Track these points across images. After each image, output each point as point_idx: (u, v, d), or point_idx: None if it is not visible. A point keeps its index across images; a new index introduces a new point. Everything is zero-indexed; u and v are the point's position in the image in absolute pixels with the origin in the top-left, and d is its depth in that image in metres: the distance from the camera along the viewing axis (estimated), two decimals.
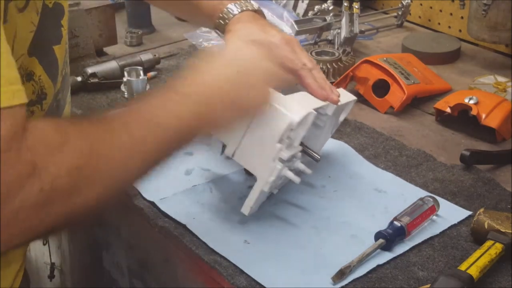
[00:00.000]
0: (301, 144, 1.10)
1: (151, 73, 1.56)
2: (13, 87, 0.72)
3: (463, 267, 0.97)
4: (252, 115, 1.00)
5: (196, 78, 0.93)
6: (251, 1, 1.20)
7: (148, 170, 0.87)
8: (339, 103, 1.15)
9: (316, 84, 1.11)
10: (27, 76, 0.91)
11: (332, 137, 1.33)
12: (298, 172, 1.10)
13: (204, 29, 1.70)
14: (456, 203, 1.14)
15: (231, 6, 1.18)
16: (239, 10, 1.17)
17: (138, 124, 0.83)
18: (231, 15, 1.17)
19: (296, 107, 1.04)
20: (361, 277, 0.99)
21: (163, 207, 1.13)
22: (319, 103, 1.11)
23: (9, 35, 0.80)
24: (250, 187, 1.17)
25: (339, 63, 1.56)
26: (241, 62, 0.98)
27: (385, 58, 1.50)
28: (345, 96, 1.21)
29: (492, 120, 1.32)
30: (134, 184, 0.92)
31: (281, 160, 1.04)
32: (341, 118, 1.24)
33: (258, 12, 1.19)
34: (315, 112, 1.06)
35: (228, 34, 1.16)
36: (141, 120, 0.84)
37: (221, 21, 1.18)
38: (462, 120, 1.37)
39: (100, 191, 0.79)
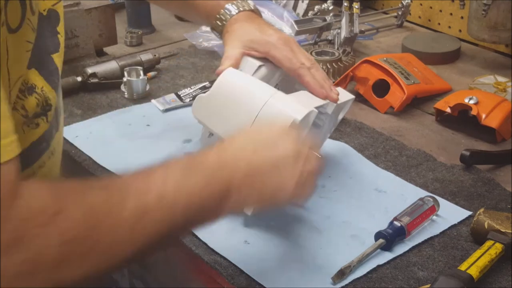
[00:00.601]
0: None
1: (151, 73, 1.56)
2: (3, 141, 0.68)
3: (463, 267, 0.97)
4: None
5: (220, 155, 0.84)
6: (248, 1, 1.20)
7: (149, 249, 0.79)
8: (338, 102, 1.15)
9: (315, 82, 1.11)
10: (28, 90, 0.88)
11: (332, 137, 1.33)
12: None
13: (204, 28, 1.70)
14: (456, 203, 1.14)
15: (228, 6, 1.18)
16: (237, 11, 1.17)
17: (142, 196, 0.75)
18: (229, 16, 1.17)
19: (297, 106, 1.04)
20: (361, 277, 0.99)
21: None
22: (320, 102, 1.11)
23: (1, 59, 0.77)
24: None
25: (339, 63, 1.56)
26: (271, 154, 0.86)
27: (385, 58, 1.50)
28: (344, 95, 1.21)
29: (492, 120, 1.32)
30: (132, 262, 0.81)
31: None
32: (340, 117, 1.24)
33: (255, 11, 1.19)
34: (316, 111, 1.06)
35: (226, 35, 1.16)
36: (146, 191, 0.76)
37: (218, 22, 1.18)
38: (462, 120, 1.37)
39: (91, 267, 0.72)
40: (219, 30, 1.19)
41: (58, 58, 0.96)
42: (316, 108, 1.07)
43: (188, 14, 1.36)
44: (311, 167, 0.89)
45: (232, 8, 1.17)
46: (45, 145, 0.94)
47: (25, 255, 0.67)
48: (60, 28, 0.96)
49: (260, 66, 1.14)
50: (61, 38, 0.97)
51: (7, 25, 0.75)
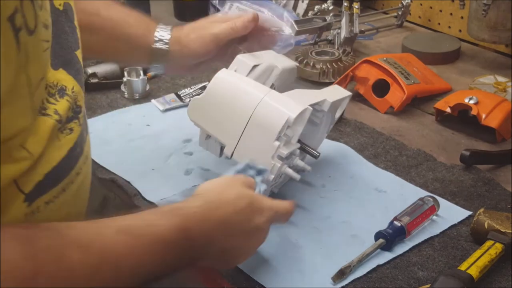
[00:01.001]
0: (299, 141, 1.10)
1: (151, 73, 1.56)
2: None
3: (463, 267, 0.97)
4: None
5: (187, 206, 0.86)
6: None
7: (127, 284, 0.77)
8: (333, 99, 1.15)
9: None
10: (59, 92, 0.84)
11: (332, 137, 1.33)
12: (297, 170, 1.10)
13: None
14: (456, 203, 1.14)
15: (160, 32, 1.19)
16: (169, 33, 1.20)
17: (111, 245, 0.75)
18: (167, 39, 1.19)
19: (292, 104, 1.04)
20: (361, 277, 0.99)
21: None
22: (314, 99, 1.11)
23: (20, 65, 0.72)
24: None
25: (339, 63, 1.56)
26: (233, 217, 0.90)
27: (385, 58, 1.50)
28: (340, 92, 1.21)
29: (492, 120, 1.32)
30: None
31: (280, 158, 1.04)
32: (337, 114, 1.24)
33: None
34: (311, 108, 1.06)
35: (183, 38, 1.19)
36: (117, 239, 0.76)
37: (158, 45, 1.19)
38: (462, 120, 1.37)
39: None
40: (163, 52, 1.19)
41: (80, 55, 0.92)
42: (311, 105, 1.07)
43: (125, 54, 1.23)
44: (265, 219, 0.93)
45: (164, 33, 1.20)
46: (79, 150, 0.89)
47: None
48: (76, 22, 0.92)
49: (254, 67, 1.14)
50: (79, 32, 0.93)
51: (26, 27, 0.71)
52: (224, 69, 1.11)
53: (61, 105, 0.83)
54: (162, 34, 1.20)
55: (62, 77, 0.85)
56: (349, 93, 1.23)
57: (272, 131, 1.02)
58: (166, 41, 1.20)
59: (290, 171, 1.07)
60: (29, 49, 0.73)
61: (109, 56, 1.23)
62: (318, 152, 1.15)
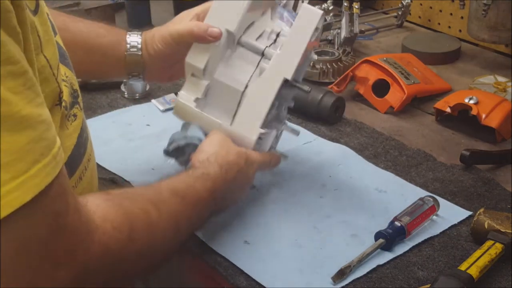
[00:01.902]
0: (289, 81, 1.10)
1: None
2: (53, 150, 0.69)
3: (463, 267, 0.97)
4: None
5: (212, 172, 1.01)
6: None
7: (180, 244, 0.93)
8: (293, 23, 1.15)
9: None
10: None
11: (332, 137, 1.33)
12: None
13: None
14: (456, 203, 1.14)
15: (131, 38, 1.18)
16: (140, 37, 1.18)
17: (171, 205, 0.89)
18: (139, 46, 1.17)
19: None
20: (361, 277, 0.99)
21: None
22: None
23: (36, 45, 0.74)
24: (250, 187, 1.17)
25: (339, 63, 1.56)
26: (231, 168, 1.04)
27: (385, 58, 1.50)
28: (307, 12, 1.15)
29: (492, 120, 1.32)
30: (167, 259, 0.94)
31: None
32: (313, 38, 1.16)
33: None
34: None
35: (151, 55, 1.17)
36: (174, 200, 0.90)
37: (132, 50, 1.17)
38: (462, 120, 1.37)
39: (133, 272, 0.84)
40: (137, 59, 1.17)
41: (60, 40, 0.92)
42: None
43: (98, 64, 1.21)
44: (254, 170, 1.09)
45: (135, 38, 1.18)
46: (86, 135, 0.93)
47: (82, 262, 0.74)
48: (47, 10, 0.90)
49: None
50: (52, 20, 0.91)
51: (28, 7, 0.73)
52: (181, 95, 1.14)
53: (63, 93, 0.83)
54: (133, 39, 1.18)
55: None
56: (319, 12, 1.15)
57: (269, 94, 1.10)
58: (138, 46, 1.17)
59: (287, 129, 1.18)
60: (39, 28, 0.75)
61: (85, 72, 1.14)
62: (308, 88, 1.15)
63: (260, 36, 1.15)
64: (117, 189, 0.88)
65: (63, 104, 0.83)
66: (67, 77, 0.88)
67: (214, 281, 1.02)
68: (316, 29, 1.12)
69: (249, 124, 1.10)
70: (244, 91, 1.10)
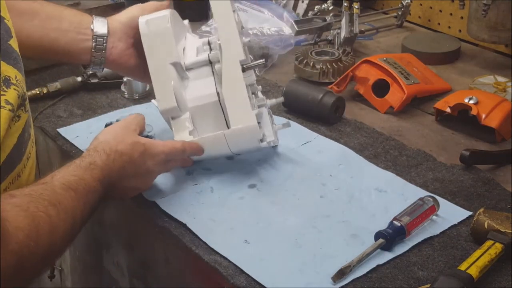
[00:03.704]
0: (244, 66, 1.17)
1: None
2: None
3: (463, 267, 0.97)
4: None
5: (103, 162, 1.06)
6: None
7: (75, 236, 0.99)
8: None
9: None
10: (5, 83, 0.90)
11: (332, 137, 1.33)
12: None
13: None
14: (456, 203, 1.14)
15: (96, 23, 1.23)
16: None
17: (67, 202, 0.95)
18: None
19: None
20: (361, 277, 0.99)
21: (163, 206, 1.13)
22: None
23: None
24: (251, 186, 1.18)
25: (339, 63, 1.56)
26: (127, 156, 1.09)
27: (385, 58, 1.50)
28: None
29: (492, 120, 1.32)
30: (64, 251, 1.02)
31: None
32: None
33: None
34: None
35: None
36: (68, 195, 0.96)
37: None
38: (462, 120, 1.37)
39: (38, 272, 0.92)
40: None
41: (14, 44, 0.95)
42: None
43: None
44: (156, 160, 1.12)
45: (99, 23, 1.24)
46: (27, 135, 0.98)
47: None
48: (4, 13, 0.94)
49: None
50: (9, 22, 0.95)
51: None
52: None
53: (10, 95, 0.89)
54: (98, 17, 1.25)
55: (3, 68, 0.89)
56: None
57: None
58: (103, 19, 1.25)
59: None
60: None
61: (50, 42, 1.19)
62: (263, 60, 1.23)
63: (197, 52, 1.23)
64: (19, 189, 0.92)
65: (9, 107, 0.89)
66: (17, 80, 0.92)
67: (214, 281, 1.02)
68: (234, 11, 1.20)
69: (242, 115, 1.14)
70: (219, 98, 1.17)
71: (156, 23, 1.20)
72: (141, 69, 1.24)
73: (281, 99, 1.29)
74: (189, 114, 1.19)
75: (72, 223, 0.95)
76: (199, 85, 1.20)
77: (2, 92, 0.88)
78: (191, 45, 1.24)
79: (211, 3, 1.18)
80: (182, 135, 1.18)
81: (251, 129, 1.14)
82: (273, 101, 1.27)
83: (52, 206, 0.91)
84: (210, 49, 1.23)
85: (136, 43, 1.24)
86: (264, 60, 1.21)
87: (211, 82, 1.20)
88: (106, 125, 1.20)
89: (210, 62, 1.20)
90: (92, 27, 1.22)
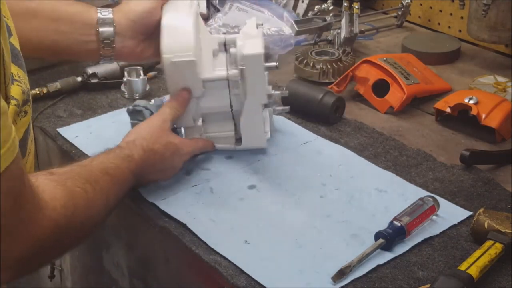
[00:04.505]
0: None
1: (151, 73, 1.55)
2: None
3: (463, 267, 0.97)
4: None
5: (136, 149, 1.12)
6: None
7: (108, 215, 1.04)
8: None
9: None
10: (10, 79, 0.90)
11: (332, 137, 1.33)
12: None
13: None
14: (456, 203, 1.14)
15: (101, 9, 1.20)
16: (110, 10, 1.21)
17: (103, 183, 1.01)
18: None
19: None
20: (361, 277, 0.99)
21: (163, 207, 1.13)
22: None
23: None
24: (251, 187, 1.18)
25: (339, 63, 1.56)
26: (159, 146, 1.15)
27: (385, 58, 1.50)
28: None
29: (492, 120, 1.32)
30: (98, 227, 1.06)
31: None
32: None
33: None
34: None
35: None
36: (105, 178, 1.02)
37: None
38: (462, 120, 1.37)
39: (75, 242, 1.00)
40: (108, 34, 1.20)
41: (15, 41, 0.95)
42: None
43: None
44: (184, 158, 1.19)
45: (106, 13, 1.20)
46: (29, 130, 0.99)
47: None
48: (5, 11, 0.93)
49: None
50: (9, 21, 0.95)
51: None
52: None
53: (14, 91, 0.90)
54: (103, 9, 1.20)
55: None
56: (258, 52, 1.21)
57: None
58: (109, 14, 1.19)
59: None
60: (2, 47, 0.80)
61: (51, 45, 1.16)
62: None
63: (214, 54, 1.22)
64: (58, 168, 0.97)
65: (14, 102, 0.91)
66: (19, 77, 0.93)
67: (214, 281, 1.02)
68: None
69: (256, 138, 1.24)
70: (231, 109, 1.22)
71: (183, 64, 1.15)
72: (156, 55, 1.22)
73: (286, 92, 1.30)
74: (201, 121, 1.24)
75: (106, 202, 1.01)
76: (214, 95, 1.21)
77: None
78: (207, 46, 1.21)
79: (244, 51, 1.16)
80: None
81: (261, 146, 1.26)
82: (277, 93, 1.28)
83: (89, 183, 0.96)
84: (226, 50, 1.22)
85: (147, 37, 1.23)
86: (277, 63, 1.22)
87: (226, 95, 1.21)
88: (134, 107, 1.25)
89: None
90: (97, 29, 1.18)
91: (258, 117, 1.22)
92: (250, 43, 1.17)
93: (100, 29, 1.18)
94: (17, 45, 0.96)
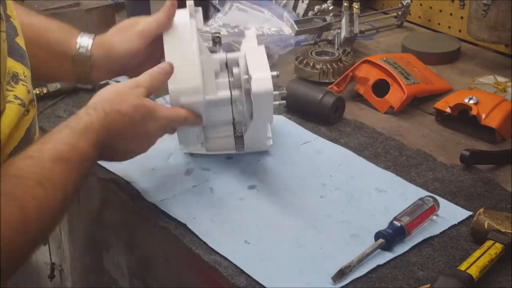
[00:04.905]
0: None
1: None
2: None
3: (463, 267, 0.97)
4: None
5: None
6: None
7: (68, 206, 0.95)
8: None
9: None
10: (13, 79, 0.90)
11: (332, 137, 1.33)
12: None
13: (204, 28, 1.70)
14: (456, 203, 1.14)
15: (82, 39, 1.18)
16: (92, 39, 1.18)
17: (57, 175, 0.90)
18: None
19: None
20: (361, 277, 0.99)
21: (163, 207, 1.13)
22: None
23: None
24: (251, 187, 1.18)
25: (339, 63, 1.56)
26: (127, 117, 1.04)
27: (385, 58, 1.50)
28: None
29: (492, 120, 1.32)
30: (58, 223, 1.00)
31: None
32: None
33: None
34: None
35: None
36: (58, 168, 0.91)
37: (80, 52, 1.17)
38: (462, 120, 1.37)
39: (29, 253, 0.90)
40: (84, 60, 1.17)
41: (21, 41, 0.95)
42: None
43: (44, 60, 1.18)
44: (157, 125, 1.08)
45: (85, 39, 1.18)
46: (34, 131, 0.98)
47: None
48: (11, 12, 0.94)
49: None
50: (15, 21, 0.95)
51: None
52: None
53: (18, 90, 0.90)
54: (84, 40, 1.17)
55: (10, 64, 0.89)
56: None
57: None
58: (88, 47, 1.17)
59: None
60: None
61: (34, 68, 1.09)
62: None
63: (216, 75, 1.17)
64: (6, 164, 0.87)
65: (18, 102, 0.90)
66: (25, 76, 0.93)
67: (214, 281, 1.02)
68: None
69: (258, 144, 1.23)
70: (233, 121, 1.18)
71: (191, 101, 1.12)
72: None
73: (284, 92, 1.25)
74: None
75: (62, 199, 0.91)
76: (217, 111, 1.16)
77: (10, 88, 0.89)
78: (208, 67, 1.15)
79: (254, 87, 1.11)
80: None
81: (263, 149, 1.25)
82: (276, 93, 1.24)
83: (39, 186, 0.87)
84: (228, 71, 1.18)
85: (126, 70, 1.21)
86: (277, 72, 1.17)
87: (228, 110, 1.17)
88: None
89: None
90: (73, 62, 1.17)
91: (263, 132, 1.20)
92: (258, 77, 1.11)
93: (76, 64, 1.17)
94: (23, 45, 0.96)
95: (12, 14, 0.94)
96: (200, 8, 1.21)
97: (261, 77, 1.11)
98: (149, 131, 1.07)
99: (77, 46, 1.17)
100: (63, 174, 0.91)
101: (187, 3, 1.17)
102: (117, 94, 1.04)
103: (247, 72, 1.13)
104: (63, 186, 0.91)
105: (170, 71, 1.09)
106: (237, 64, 1.17)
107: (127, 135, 1.04)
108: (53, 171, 0.90)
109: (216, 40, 1.20)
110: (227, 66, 1.18)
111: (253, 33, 1.23)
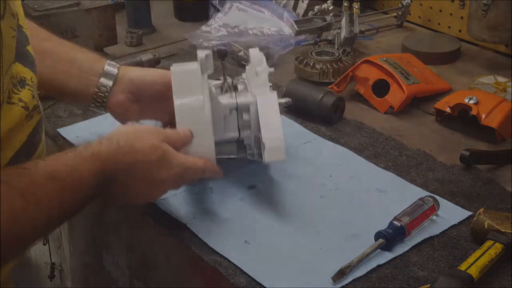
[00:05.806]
0: None
1: None
2: None
3: (463, 267, 0.97)
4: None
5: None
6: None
7: (53, 229, 0.96)
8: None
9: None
10: (20, 83, 0.91)
11: (332, 137, 1.33)
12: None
13: (204, 28, 1.70)
14: (456, 203, 1.14)
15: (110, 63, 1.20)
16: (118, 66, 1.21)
17: (44, 192, 0.88)
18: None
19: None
20: (361, 277, 0.99)
21: (163, 207, 1.13)
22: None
23: None
24: (250, 187, 1.18)
25: (339, 63, 1.56)
26: (142, 158, 1.00)
27: (385, 58, 1.50)
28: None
29: (492, 120, 1.32)
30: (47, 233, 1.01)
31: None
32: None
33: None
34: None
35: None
36: (49, 185, 0.89)
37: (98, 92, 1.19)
38: (462, 120, 1.37)
39: (15, 253, 0.89)
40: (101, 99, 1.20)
41: (31, 50, 0.97)
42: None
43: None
44: (172, 172, 1.02)
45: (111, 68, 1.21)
46: (39, 137, 0.98)
47: None
48: (22, 22, 0.95)
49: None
50: (26, 31, 0.96)
51: None
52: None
53: (24, 94, 0.91)
54: (112, 63, 1.22)
55: (19, 69, 0.91)
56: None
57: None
58: (117, 66, 1.21)
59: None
60: (2, 31, 0.80)
61: (57, 84, 1.17)
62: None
63: (225, 120, 1.14)
64: (2, 171, 0.85)
65: (22, 104, 0.90)
66: (32, 82, 0.94)
67: (214, 281, 1.02)
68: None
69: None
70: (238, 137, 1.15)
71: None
72: (138, 119, 1.21)
73: (289, 100, 1.25)
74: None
75: (46, 217, 0.88)
76: (223, 147, 1.15)
77: (16, 91, 0.90)
78: (218, 112, 1.12)
79: (266, 156, 1.08)
80: None
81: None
82: (281, 101, 1.22)
83: (20, 196, 0.85)
84: (237, 113, 1.14)
85: (138, 100, 1.22)
86: (287, 100, 1.19)
87: (235, 130, 1.15)
88: None
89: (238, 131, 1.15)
90: (100, 77, 1.19)
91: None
92: (271, 146, 1.08)
93: (102, 78, 1.20)
94: (33, 54, 0.98)
95: (24, 24, 0.96)
96: (210, 52, 1.13)
97: (274, 146, 1.08)
98: (163, 177, 1.01)
99: (106, 65, 1.20)
100: (53, 192, 0.89)
101: (198, 56, 1.11)
102: (136, 131, 1.03)
103: (258, 127, 1.10)
104: (50, 204, 0.89)
105: (188, 142, 1.07)
106: (248, 109, 1.13)
107: (137, 175, 0.99)
108: (43, 188, 0.88)
109: (222, 54, 1.16)
110: (237, 109, 1.15)
111: (260, 55, 1.18)
